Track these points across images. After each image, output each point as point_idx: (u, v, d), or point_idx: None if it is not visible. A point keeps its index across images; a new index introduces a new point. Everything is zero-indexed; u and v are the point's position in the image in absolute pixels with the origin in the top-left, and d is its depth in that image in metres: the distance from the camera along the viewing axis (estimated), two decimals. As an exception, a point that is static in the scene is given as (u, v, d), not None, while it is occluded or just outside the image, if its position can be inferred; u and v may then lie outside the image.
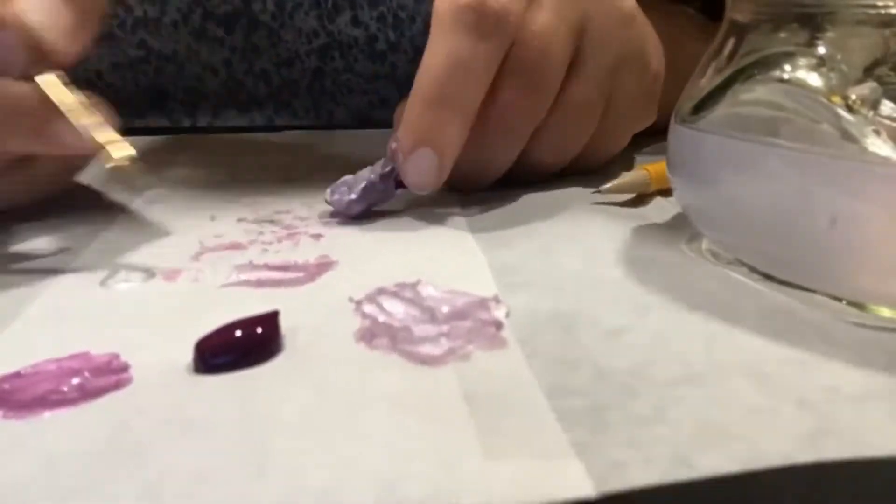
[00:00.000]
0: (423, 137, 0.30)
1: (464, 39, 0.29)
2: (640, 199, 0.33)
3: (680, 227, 0.28)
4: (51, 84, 0.27)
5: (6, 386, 0.18)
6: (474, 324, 0.21)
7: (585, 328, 0.20)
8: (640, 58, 0.35)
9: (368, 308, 0.22)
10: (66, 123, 0.26)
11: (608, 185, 0.32)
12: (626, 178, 0.32)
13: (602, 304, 0.22)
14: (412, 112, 0.30)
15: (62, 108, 0.26)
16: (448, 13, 0.30)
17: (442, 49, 0.29)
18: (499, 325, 0.21)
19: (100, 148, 0.25)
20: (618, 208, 0.31)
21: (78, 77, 0.58)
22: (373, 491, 0.15)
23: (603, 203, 0.32)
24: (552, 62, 0.31)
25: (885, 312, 0.21)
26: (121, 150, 0.25)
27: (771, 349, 0.19)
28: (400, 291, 0.23)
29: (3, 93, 0.27)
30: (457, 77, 0.29)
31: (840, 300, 0.22)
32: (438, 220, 0.30)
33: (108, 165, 0.25)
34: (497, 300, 0.22)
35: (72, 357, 0.20)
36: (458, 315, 0.21)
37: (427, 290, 0.23)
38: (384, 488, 0.15)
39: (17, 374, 0.19)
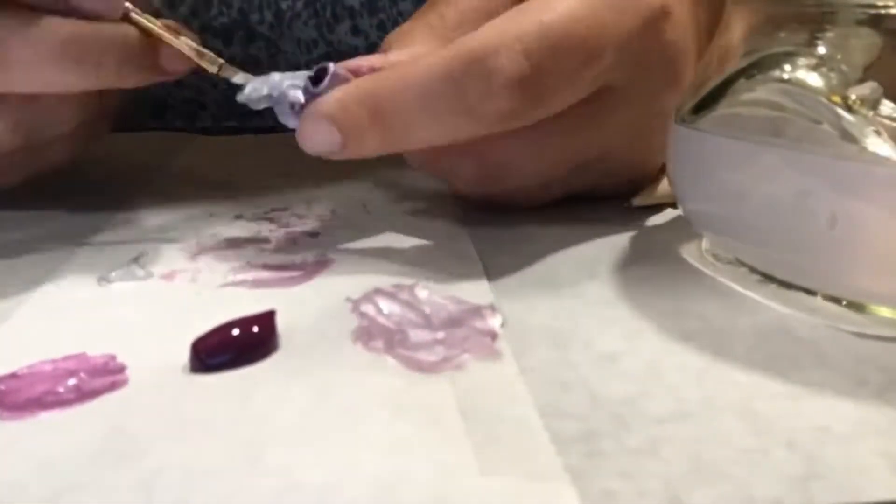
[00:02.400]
0: (341, 122, 0.25)
1: (451, 98, 0.25)
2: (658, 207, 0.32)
3: (680, 228, 0.28)
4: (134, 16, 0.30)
5: (2, 387, 0.18)
6: (469, 332, 0.21)
7: (580, 348, 0.20)
8: (669, 66, 0.29)
9: (365, 308, 0.22)
10: (170, 50, 0.30)
11: (639, 198, 0.31)
12: (656, 188, 0.31)
13: (597, 322, 0.22)
14: (354, 93, 0.26)
15: (157, 35, 0.30)
16: (468, 57, 0.25)
17: (430, 78, 0.25)
18: (493, 336, 0.21)
19: (199, 61, 0.30)
20: (618, 214, 0.31)
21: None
22: (371, 492, 0.15)
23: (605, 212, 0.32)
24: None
25: (885, 313, 0.21)
26: (211, 62, 0.29)
27: (763, 383, 0.19)
28: (397, 293, 0.23)
29: (113, 35, 0.29)
30: (414, 117, 0.25)
31: (840, 301, 0.21)
32: (437, 222, 0.30)
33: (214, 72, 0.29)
34: (492, 308, 0.22)
35: (68, 358, 0.20)
36: (453, 322, 0.21)
37: (423, 294, 0.23)
38: (382, 490, 0.15)
39: (13, 375, 0.19)
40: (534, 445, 0.16)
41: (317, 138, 0.26)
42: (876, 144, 0.20)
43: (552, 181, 0.30)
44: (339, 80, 0.26)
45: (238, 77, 0.29)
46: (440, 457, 0.16)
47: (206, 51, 0.30)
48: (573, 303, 0.23)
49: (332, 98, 0.26)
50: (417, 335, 0.21)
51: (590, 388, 0.18)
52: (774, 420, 0.17)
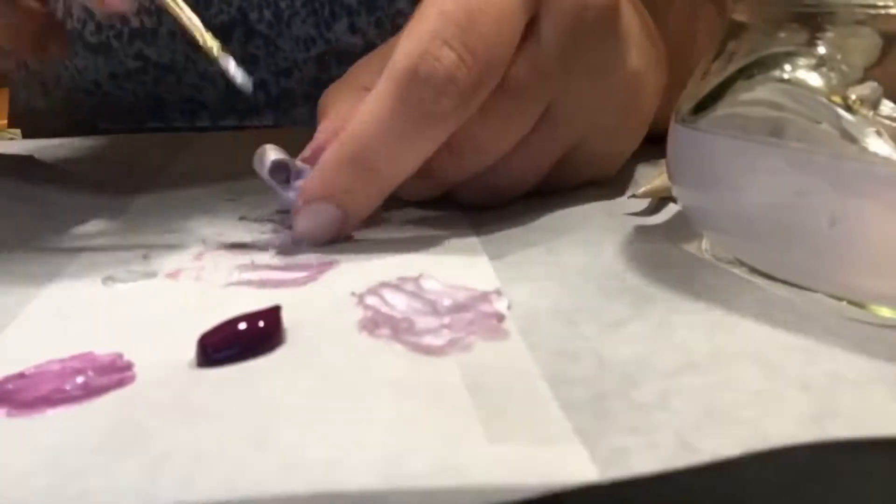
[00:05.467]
0: (332, 195, 0.27)
1: (412, 115, 0.26)
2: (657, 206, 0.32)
3: (680, 226, 0.28)
4: None
5: (10, 386, 0.19)
6: (476, 316, 0.21)
7: (587, 320, 0.20)
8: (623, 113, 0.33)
9: (370, 300, 0.22)
10: None
11: (643, 190, 0.31)
12: (657, 181, 0.31)
13: (603, 297, 0.22)
14: (330, 163, 0.27)
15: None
16: (404, 76, 0.26)
17: (386, 111, 0.27)
18: (500, 318, 0.21)
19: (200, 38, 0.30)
20: (619, 208, 0.31)
21: (77, 87, 0.58)
22: (378, 464, 0.15)
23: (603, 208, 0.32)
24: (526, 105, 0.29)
25: (885, 312, 0.21)
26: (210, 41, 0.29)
27: (773, 337, 0.19)
28: (402, 284, 0.23)
29: None
30: (392, 149, 0.27)
31: (840, 300, 0.22)
32: (440, 217, 0.31)
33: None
34: (498, 293, 0.22)
35: (75, 357, 0.20)
36: (459, 307, 0.21)
37: (429, 284, 0.23)
38: (390, 461, 0.15)
39: (21, 375, 0.19)
40: (543, 413, 0.16)
41: (319, 221, 0.27)
42: (876, 144, 0.20)
43: (544, 177, 0.32)
44: (303, 173, 0.29)
45: (231, 66, 0.29)
46: (447, 428, 0.16)
47: (209, 35, 0.30)
48: (579, 281, 0.23)
49: (319, 172, 0.28)
50: (424, 322, 0.21)
51: (598, 354, 0.18)
52: (787, 368, 0.17)
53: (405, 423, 0.16)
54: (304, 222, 0.28)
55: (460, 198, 0.32)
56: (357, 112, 0.27)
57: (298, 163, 0.29)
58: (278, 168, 0.29)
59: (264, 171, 0.29)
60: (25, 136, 0.59)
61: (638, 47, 0.32)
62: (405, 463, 0.15)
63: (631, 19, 0.32)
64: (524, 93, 0.29)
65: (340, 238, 0.28)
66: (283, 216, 0.32)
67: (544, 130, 0.30)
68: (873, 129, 0.20)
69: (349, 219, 0.28)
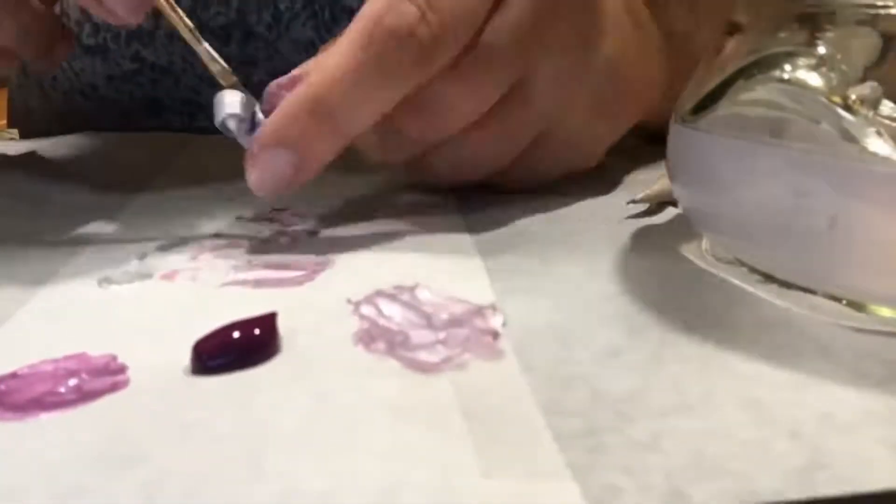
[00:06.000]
0: (287, 140, 0.27)
1: (372, 65, 0.27)
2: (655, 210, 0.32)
3: (680, 227, 0.28)
4: None
5: (2, 387, 0.18)
6: (471, 332, 0.21)
7: (581, 344, 0.20)
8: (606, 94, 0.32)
9: (366, 310, 0.22)
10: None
11: (642, 195, 0.31)
12: (656, 185, 0.31)
13: (598, 318, 0.22)
14: (288, 107, 0.27)
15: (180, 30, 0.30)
16: (368, 26, 0.27)
17: (348, 58, 0.27)
18: (495, 335, 0.21)
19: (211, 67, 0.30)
20: (617, 212, 0.31)
21: (73, 90, 0.58)
22: (372, 498, 0.15)
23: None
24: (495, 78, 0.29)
25: (885, 312, 0.21)
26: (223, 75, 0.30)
27: (765, 373, 0.19)
28: (398, 294, 0.23)
29: None
30: (351, 98, 0.27)
31: (840, 301, 0.21)
32: (437, 221, 0.30)
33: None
34: (494, 308, 0.22)
35: (69, 358, 0.20)
36: (454, 322, 0.21)
37: (424, 295, 0.23)
38: (384, 496, 0.15)
39: (14, 375, 0.19)
40: (536, 444, 0.16)
41: (272, 168, 0.27)
42: (876, 144, 0.20)
43: (515, 163, 0.32)
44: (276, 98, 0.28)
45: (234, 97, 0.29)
46: (442, 459, 0.16)
47: (221, 61, 0.30)
48: (574, 300, 0.23)
49: (277, 117, 0.27)
50: (419, 336, 0.21)
51: (592, 385, 0.18)
52: (777, 410, 0.17)
53: (400, 451, 0.16)
54: (258, 170, 0.27)
55: (435, 171, 0.32)
56: (320, 59, 0.28)
57: (260, 114, 0.29)
58: (236, 119, 0.28)
59: (218, 120, 0.29)
60: (23, 137, 0.59)
61: (620, 29, 0.32)
62: (399, 496, 0.15)
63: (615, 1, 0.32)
64: (495, 58, 0.29)
65: (293, 189, 0.27)
66: (277, 213, 0.32)
67: (517, 103, 0.30)
68: (873, 129, 0.20)
69: (304, 167, 0.27)
